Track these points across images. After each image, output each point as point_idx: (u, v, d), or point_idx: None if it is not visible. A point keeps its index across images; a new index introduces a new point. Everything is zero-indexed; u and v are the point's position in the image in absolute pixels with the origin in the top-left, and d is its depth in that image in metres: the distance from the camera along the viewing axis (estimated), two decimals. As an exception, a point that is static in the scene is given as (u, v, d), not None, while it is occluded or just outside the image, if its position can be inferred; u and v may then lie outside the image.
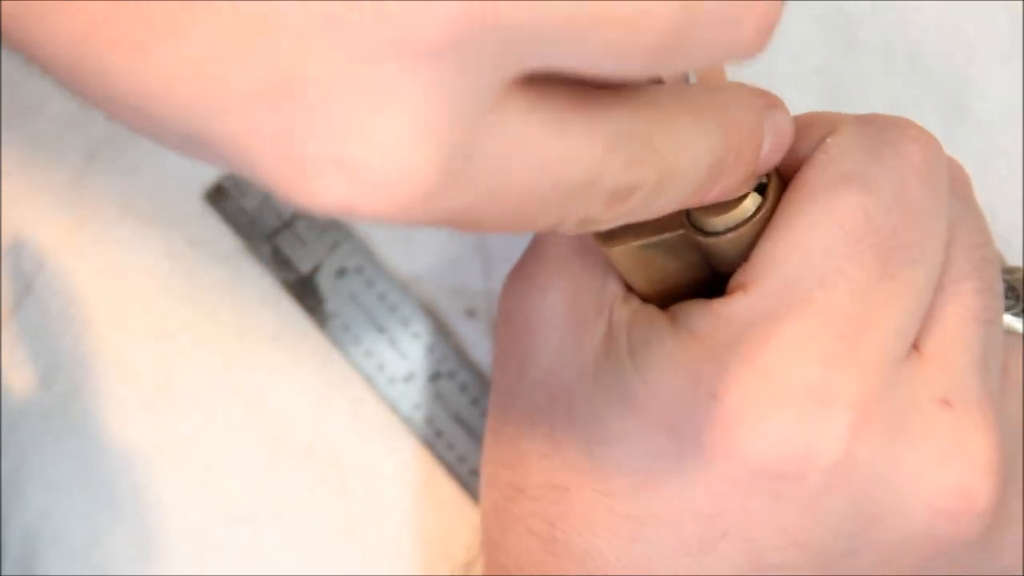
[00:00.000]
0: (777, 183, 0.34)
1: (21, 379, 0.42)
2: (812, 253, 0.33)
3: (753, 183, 0.33)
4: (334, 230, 0.43)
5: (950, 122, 0.43)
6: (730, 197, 0.31)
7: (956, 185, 0.36)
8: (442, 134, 0.23)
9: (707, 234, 0.33)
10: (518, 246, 0.37)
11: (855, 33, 0.44)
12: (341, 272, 0.43)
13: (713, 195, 0.30)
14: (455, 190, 0.24)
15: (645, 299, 0.35)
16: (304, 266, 0.43)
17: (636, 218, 0.28)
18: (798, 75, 0.44)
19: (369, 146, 0.23)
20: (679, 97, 0.27)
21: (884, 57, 0.44)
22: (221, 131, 0.23)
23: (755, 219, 0.33)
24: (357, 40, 0.22)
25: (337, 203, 0.23)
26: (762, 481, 0.32)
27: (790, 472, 0.32)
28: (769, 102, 0.31)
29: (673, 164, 0.27)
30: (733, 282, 0.34)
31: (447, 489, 0.42)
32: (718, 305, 0.33)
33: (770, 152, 0.32)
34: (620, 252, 0.34)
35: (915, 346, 0.34)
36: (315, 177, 0.23)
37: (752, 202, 0.33)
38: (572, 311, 0.35)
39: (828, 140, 0.34)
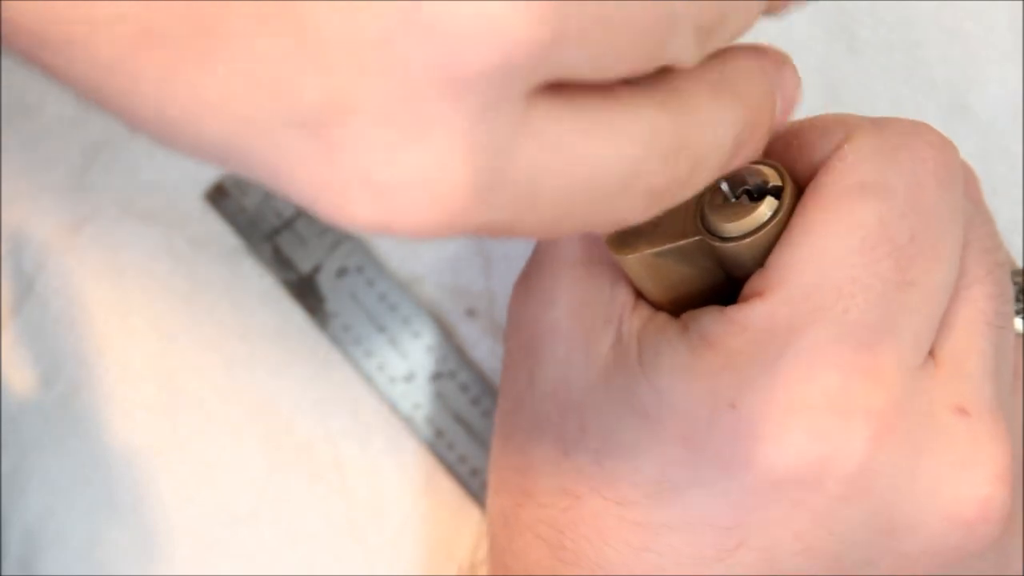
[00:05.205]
0: (792, 188, 0.33)
1: (21, 379, 0.42)
2: (830, 262, 0.32)
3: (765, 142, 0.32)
4: (334, 230, 0.43)
5: (950, 122, 0.43)
6: (749, 161, 0.31)
7: (968, 189, 0.35)
8: (480, 155, 0.23)
9: (724, 239, 0.33)
10: (518, 246, 0.37)
11: (855, 33, 0.44)
12: (341, 272, 0.43)
13: (734, 166, 0.29)
14: (490, 203, 0.24)
15: (657, 307, 0.35)
16: (304, 266, 0.43)
17: (669, 206, 0.28)
18: (798, 75, 0.44)
19: (407, 172, 0.23)
20: (695, 79, 0.27)
21: (884, 57, 0.44)
22: (258, 152, 0.23)
23: (772, 224, 0.33)
24: (409, 65, 0.22)
25: (375, 223, 0.24)
26: (781, 490, 0.32)
27: (809, 480, 0.32)
28: (775, 61, 0.30)
29: (701, 149, 0.27)
30: (748, 289, 0.33)
31: (447, 489, 0.42)
32: (733, 312, 0.33)
33: (781, 113, 0.31)
34: (634, 260, 0.34)
35: (930, 352, 0.33)
36: (351, 199, 0.23)
37: (768, 207, 0.33)
38: (579, 321, 0.35)
39: (845, 147, 0.33)
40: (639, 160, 0.25)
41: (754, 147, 0.30)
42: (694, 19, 0.25)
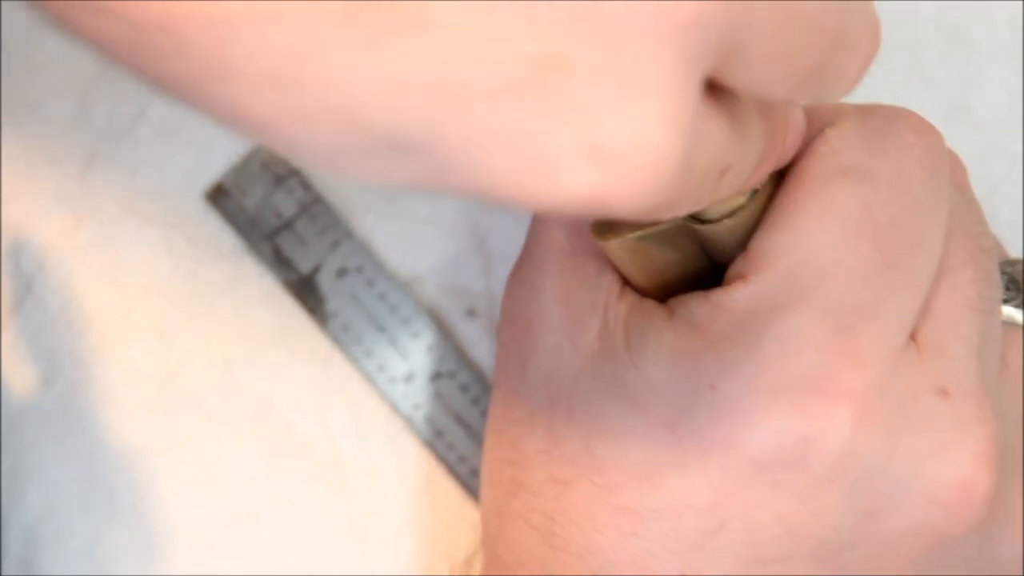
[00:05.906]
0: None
1: (21, 379, 0.42)
2: (812, 245, 0.32)
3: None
4: (334, 230, 0.43)
5: (950, 122, 0.43)
6: (753, 187, 0.31)
7: (953, 175, 0.36)
8: (686, 118, 0.22)
9: (704, 221, 0.33)
10: (518, 246, 0.37)
11: (855, 33, 0.44)
12: (342, 272, 0.43)
13: (751, 183, 0.30)
14: (683, 175, 0.23)
15: (642, 293, 0.35)
16: (305, 266, 0.43)
17: (716, 199, 0.28)
18: (798, 75, 0.44)
19: (626, 132, 0.22)
20: None
21: (884, 57, 0.44)
22: (452, 133, 0.21)
23: (752, 205, 0.33)
24: (622, 18, 0.21)
25: (587, 195, 0.22)
26: (761, 472, 0.32)
27: (790, 461, 0.32)
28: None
29: (746, 147, 0.27)
30: (731, 272, 0.33)
31: (447, 489, 0.42)
32: (716, 295, 0.33)
33: (790, 146, 0.32)
34: (617, 245, 0.34)
35: (912, 336, 0.34)
36: (564, 170, 0.22)
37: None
38: (567, 310, 0.35)
39: (828, 131, 0.34)
40: (727, 142, 0.26)
41: (768, 168, 0.30)
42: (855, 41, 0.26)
